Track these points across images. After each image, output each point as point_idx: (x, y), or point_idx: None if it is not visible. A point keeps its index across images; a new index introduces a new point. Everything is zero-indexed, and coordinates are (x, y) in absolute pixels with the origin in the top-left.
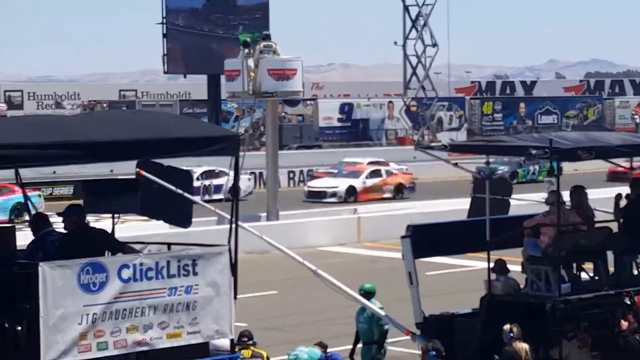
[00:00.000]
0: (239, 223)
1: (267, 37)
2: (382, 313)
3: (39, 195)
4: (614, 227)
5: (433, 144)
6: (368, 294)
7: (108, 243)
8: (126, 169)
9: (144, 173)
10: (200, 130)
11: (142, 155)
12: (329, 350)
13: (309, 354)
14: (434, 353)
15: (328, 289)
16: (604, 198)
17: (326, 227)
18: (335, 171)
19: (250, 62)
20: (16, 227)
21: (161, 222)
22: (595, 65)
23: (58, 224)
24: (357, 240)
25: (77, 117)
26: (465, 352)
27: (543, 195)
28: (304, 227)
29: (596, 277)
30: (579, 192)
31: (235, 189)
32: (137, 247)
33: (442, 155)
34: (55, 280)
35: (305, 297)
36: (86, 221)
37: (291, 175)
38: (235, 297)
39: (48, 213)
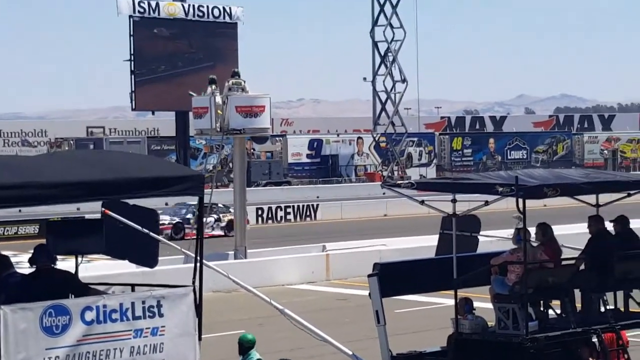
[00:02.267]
0: (205, 262)
1: (236, 75)
2: None
3: None
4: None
5: (400, 182)
6: (245, 346)
7: (72, 285)
8: (94, 207)
9: (109, 212)
10: (164, 169)
11: (105, 195)
12: None
13: None
14: None
15: (296, 328)
16: (571, 234)
17: (295, 264)
18: None
19: (218, 99)
20: None
21: (127, 261)
22: (564, 100)
23: (20, 264)
24: (326, 277)
25: (41, 158)
26: None
27: (511, 232)
28: (273, 265)
29: (563, 315)
30: (545, 229)
31: (200, 227)
32: (101, 288)
33: (409, 192)
34: (17, 323)
35: (273, 336)
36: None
37: (259, 212)
38: (200, 338)
39: (10, 253)
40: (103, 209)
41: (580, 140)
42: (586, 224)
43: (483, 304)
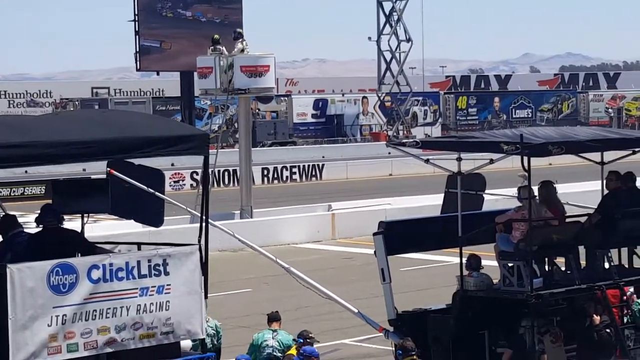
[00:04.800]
0: (210, 221)
1: (240, 35)
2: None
3: None
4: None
5: (405, 141)
6: None
7: (78, 244)
8: (100, 168)
9: (114, 172)
10: (169, 129)
11: (110, 154)
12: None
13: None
14: (400, 352)
15: (302, 287)
16: (576, 192)
17: (300, 223)
18: None
19: (223, 59)
20: None
21: (133, 221)
22: (570, 59)
23: (27, 225)
24: (331, 236)
25: (45, 117)
26: (438, 348)
27: (516, 190)
28: (278, 224)
29: (568, 272)
30: (547, 187)
31: (205, 187)
32: (107, 247)
33: (414, 151)
34: (24, 282)
35: (279, 295)
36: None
37: (265, 172)
38: (205, 297)
39: (16, 213)
40: (108, 168)
41: (586, 98)
42: (591, 182)
43: (488, 261)
